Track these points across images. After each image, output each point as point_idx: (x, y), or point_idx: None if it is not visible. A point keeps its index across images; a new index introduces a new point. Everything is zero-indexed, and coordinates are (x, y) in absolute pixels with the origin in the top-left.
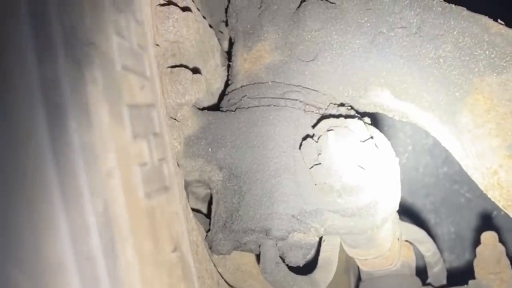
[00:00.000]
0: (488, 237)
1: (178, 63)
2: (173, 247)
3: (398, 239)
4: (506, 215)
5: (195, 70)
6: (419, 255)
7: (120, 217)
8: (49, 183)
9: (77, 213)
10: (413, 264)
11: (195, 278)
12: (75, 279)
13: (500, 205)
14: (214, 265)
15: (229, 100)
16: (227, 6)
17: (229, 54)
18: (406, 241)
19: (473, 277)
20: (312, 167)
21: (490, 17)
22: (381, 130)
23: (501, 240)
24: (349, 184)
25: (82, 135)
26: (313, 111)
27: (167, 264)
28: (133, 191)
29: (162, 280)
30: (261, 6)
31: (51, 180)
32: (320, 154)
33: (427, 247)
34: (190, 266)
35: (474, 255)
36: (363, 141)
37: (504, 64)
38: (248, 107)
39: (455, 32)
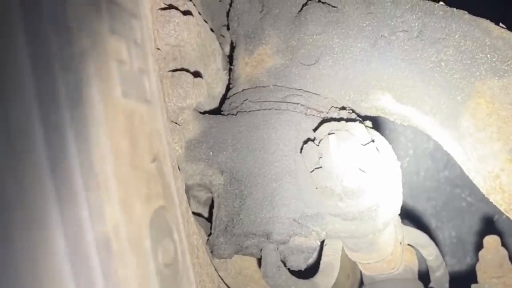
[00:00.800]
0: (491, 241)
1: (179, 67)
2: (153, 158)
3: (401, 243)
4: (508, 219)
5: (196, 74)
6: (421, 259)
7: (93, 99)
8: None
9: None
10: (416, 268)
11: (178, 213)
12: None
13: (502, 209)
14: (216, 269)
15: (230, 104)
16: (229, 10)
17: (230, 58)
18: (409, 245)
19: (476, 281)
20: (313, 170)
21: (491, 20)
22: (382, 134)
23: (503, 244)
24: (350, 187)
25: None
26: (314, 115)
27: (145, 173)
28: (109, 82)
29: (139, 189)
30: (262, 10)
31: None
32: (321, 157)
33: (429, 251)
34: (172, 194)
35: (476, 259)
36: (364, 145)
37: (506, 68)
38: (250, 111)
39: (456, 36)
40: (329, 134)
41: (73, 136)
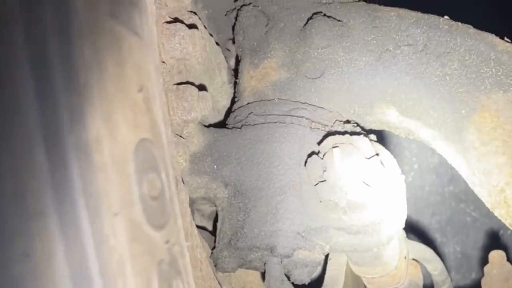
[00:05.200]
0: (496, 256)
1: (184, 80)
2: (139, 87)
3: (405, 258)
4: None
5: (201, 87)
6: (426, 274)
7: (78, 10)
8: None
9: None
10: (420, 283)
11: (167, 155)
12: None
13: (506, 223)
14: (219, 283)
15: (235, 117)
16: (234, 24)
17: (235, 72)
18: (413, 259)
19: None
20: (317, 184)
21: (496, 34)
22: (387, 148)
23: (509, 259)
24: (355, 201)
25: None
26: (319, 128)
27: (131, 100)
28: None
29: (124, 111)
30: (268, 24)
31: None
32: (325, 171)
33: (435, 266)
34: (161, 135)
35: (481, 274)
36: (369, 158)
37: (511, 82)
38: (254, 124)
39: (461, 50)
40: (333, 147)
41: (56, 46)
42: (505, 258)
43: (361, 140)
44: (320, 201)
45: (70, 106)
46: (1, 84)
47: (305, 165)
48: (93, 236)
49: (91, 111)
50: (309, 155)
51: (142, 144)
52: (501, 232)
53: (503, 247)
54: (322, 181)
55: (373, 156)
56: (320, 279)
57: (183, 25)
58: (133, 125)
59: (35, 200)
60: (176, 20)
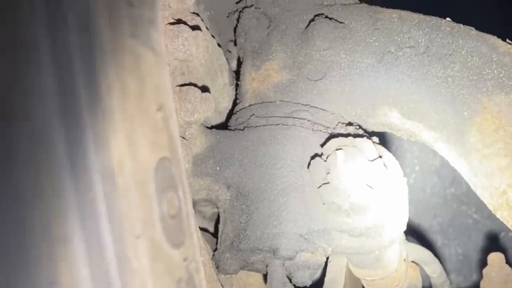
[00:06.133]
0: (495, 258)
1: (187, 82)
2: (159, 106)
3: (405, 260)
4: None
5: (204, 89)
6: (425, 277)
7: (100, 31)
8: None
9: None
10: (419, 285)
11: (183, 171)
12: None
13: (508, 225)
14: (222, 285)
15: (237, 119)
16: (236, 26)
17: (237, 73)
18: (412, 261)
19: None
20: (320, 186)
21: (498, 36)
22: (388, 150)
23: (508, 262)
24: (358, 203)
25: None
26: (321, 130)
27: (151, 119)
28: (118, 19)
29: (144, 132)
30: (269, 26)
31: None
32: (328, 173)
33: (433, 268)
34: (177, 150)
35: (482, 277)
36: (372, 161)
37: None
38: (256, 126)
39: (463, 52)
40: (336, 149)
41: (81, 70)
42: (504, 261)
43: (364, 142)
44: (323, 204)
45: (95, 129)
46: (29, 110)
47: (308, 167)
48: (117, 260)
49: (115, 134)
50: (312, 157)
51: (162, 163)
52: (503, 234)
53: (505, 249)
54: (325, 183)
55: (376, 159)
56: (320, 281)
57: (187, 26)
58: (153, 145)
59: (61, 225)
60: (179, 21)
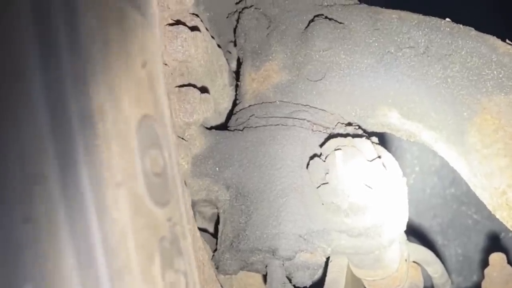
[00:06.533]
0: (496, 258)
1: (186, 83)
2: (143, 62)
3: (406, 260)
4: None
5: (203, 90)
6: (426, 277)
7: None
8: None
9: None
10: (421, 285)
11: (170, 133)
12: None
13: (508, 225)
14: (221, 286)
15: (236, 120)
16: (236, 26)
17: (237, 74)
18: (414, 262)
19: None
20: (319, 186)
21: (498, 37)
22: (388, 151)
23: (509, 262)
24: (357, 203)
25: None
26: (320, 131)
27: (134, 74)
28: None
29: (127, 84)
30: (269, 26)
31: None
32: (327, 173)
33: (435, 268)
34: (164, 113)
35: (482, 277)
36: (371, 161)
37: None
38: (256, 127)
39: (463, 52)
40: (335, 150)
41: (62, 13)
42: (506, 261)
43: (363, 142)
44: (322, 204)
45: (74, 73)
46: (6, 47)
47: (307, 167)
48: (96, 206)
49: (95, 80)
50: (311, 158)
51: (145, 120)
52: (503, 234)
53: (505, 250)
54: (324, 184)
55: (375, 159)
56: (321, 281)
57: (185, 27)
58: (136, 100)
59: (38, 163)
60: (178, 22)
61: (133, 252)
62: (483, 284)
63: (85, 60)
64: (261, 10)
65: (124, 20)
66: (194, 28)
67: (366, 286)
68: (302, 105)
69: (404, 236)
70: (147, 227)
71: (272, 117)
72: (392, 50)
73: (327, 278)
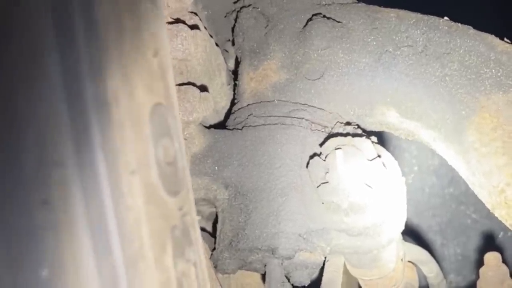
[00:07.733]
0: (491, 257)
1: (185, 81)
2: (155, 52)
3: (402, 260)
4: None
5: (203, 88)
6: (422, 277)
7: None
8: None
9: None
10: (416, 285)
11: (178, 123)
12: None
13: (507, 224)
14: (220, 285)
15: (235, 119)
16: (234, 25)
17: (235, 73)
18: (409, 261)
19: None
20: (319, 185)
21: (496, 35)
22: (387, 150)
23: (505, 261)
24: (357, 203)
25: None
26: (319, 130)
27: (147, 63)
28: None
29: (140, 72)
30: (267, 25)
31: None
32: (327, 172)
33: (430, 268)
34: (173, 103)
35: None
36: (371, 160)
37: (511, 83)
38: (255, 126)
39: (461, 51)
40: (336, 149)
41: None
42: (501, 260)
43: (363, 142)
44: (322, 203)
45: (91, 58)
46: (23, 34)
47: (307, 166)
48: (111, 192)
49: (110, 66)
50: (311, 157)
51: (158, 109)
52: (502, 234)
53: (504, 249)
54: (324, 183)
55: (375, 158)
56: (317, 281)
57: (185, 25)
58: (148, 88)
59: (56, 148)
60: (178, 20)
61: (147, 240)
62: (479, 283)
63: (101, 43)
64: (259, 9)
65: (136, 7)
66: (193, 27)
67: (362, 286)
68: (300, 104)
69: (400, 236)
70: (160, 215)
71: (271, 116)
72: (390, 49)
73: (324, 278)
